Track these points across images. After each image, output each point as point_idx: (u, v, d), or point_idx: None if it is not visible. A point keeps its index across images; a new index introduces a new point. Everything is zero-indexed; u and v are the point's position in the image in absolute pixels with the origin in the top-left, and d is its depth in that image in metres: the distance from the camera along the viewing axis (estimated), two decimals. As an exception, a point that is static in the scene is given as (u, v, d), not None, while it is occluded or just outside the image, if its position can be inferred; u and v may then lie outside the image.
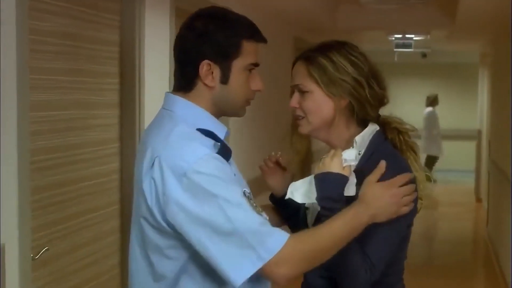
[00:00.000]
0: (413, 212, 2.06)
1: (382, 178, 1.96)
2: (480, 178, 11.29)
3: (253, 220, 1.74)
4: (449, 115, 14.93)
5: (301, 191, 2.05)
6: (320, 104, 2.08)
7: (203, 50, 1.89)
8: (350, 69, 2.06)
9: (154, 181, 1.80)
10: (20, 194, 2.60)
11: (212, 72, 1.90)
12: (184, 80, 1.94)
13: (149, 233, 1.87)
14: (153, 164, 1.81)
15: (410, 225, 2.09)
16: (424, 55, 12.79)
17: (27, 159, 2.66)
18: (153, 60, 3.78)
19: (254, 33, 1.95)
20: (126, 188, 3.60)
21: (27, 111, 2.65)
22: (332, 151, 2.03)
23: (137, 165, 1.93)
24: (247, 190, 1.83)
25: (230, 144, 1.97)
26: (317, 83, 2.07)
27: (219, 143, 1.86)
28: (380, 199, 1.91)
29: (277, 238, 1.74)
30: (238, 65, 1.92)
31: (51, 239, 2.94)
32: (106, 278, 3.47)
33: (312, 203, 2.06)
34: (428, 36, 8.82)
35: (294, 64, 2.16)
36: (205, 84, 1.91)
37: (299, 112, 2.13)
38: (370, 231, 1.95)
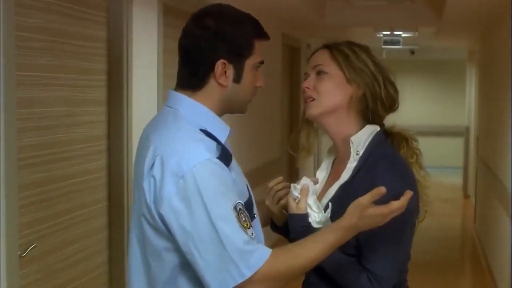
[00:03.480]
0: (415, 214, 2.05)
1: (382, 183, 1.90)
2: (468, 175, 11.33)
3: (238, 237, 1.76)
4: (437, 112, 14.99)
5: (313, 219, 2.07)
6: (336, 87, 2.09)
7: (219, 50, 1.89)
8: (370, 63, 2.10)
9: (154, 179, 1.80)
10: (7, 191, 2.58)
11: (226, 72, 1.90)
12: (195, 79, 1.92)
13: (147, 232, 1.86)
14: (154, 162, 1.81)
15: (412, 226, 2.07)
16: (412, 52, 12.81)
17: (14, 156, 2.64)
18: (141, 57, 3.76)
19: (262, 32, 1.97)
20: (114, 185, 3.59)
21: (14, 108, 2.64)
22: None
23: (137, 162, 1.92)
24: (241, 202, 1.82)
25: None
26: (339, 66, 2.09)
27: (220, 145, 1.85)
28: (371, 223, 1.86)
29: (259, 256, 1.77)
30: (249, 64, 1.94)
31: (38, 237, 2.93)
32: (94, 276, 3.46)
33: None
34: (416, 33, 8.84)
35: (314, 52, 2.18)
36: (219, 83, 1.91)
37: (311, 93, 2.11)
38: (371, 243, 1.96)
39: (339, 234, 1.85)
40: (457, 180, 12.28)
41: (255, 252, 1.77)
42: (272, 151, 7.45)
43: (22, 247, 2.76)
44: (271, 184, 2.23)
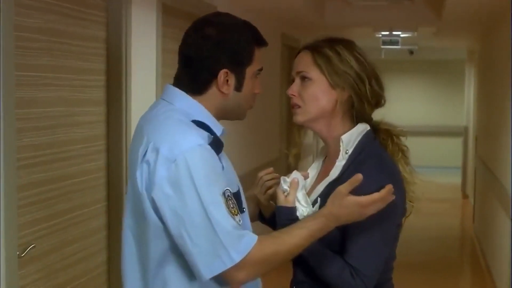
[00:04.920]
0: (401, 212, 2.07)
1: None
2: (466, 175, 11.34)
3: (228, 222, 1.80)
4: (436, 111, 15.00)
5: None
6: (321, 93, 2.09)
7: (222, 60, 1.92)
8: (354, 63, 2.09)
9: (148, 165, 1.83)
10: (6, 191, 2.58)
11: (228, 80, 1.94)
12: (197, 85, 1.95)
13: (138, 219, 1.89)
14: (147, 149, 1.84)
15: (398, 225, 2.09)
16: (411, 52, 12.81)
17: (13, 156, 2.64)
18: (140, 57, 3.76)
19: (261, 39, 1.99)
20: (113, 185, 3.59)
21: (13, 108, 2.64)
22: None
23: (131, 152, 1.95)
24: (230, 189, 1.86)
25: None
26: (321, 71, 2.09)
27: (212, 135, 1.89)
28: (351, 213, 1.90)
29: (248, 241, 1.81)
30: (250, 72, 1.97)
31: (37, 237, 2.93)
32: (93, 276, 3.46)
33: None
34: (415, 33, 8.84)
35: (298, 53, 2.17)
36: (220, 91, 1.94)
37: (296, 101, 2.13)
38: (354, 239, 1.98)
39: (321, 222, 1.89)
40: (456, 180, 12.29)
41: (244, 237, 1.80)
42: (271, 152, 7.45)
43: (21, 247, 2.75)
44: (261, 174, 2.26)
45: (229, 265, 1.79)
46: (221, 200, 1.80)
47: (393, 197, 1.93)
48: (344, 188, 1.89)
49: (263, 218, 2.29)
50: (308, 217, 1.95)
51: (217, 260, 1.78)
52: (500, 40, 6.41)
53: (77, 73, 3.27)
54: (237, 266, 1.79)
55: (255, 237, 1.82)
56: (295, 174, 2.10)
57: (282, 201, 2.05)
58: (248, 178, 2.10)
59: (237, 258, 1.79)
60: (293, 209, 2.04)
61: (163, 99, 1.98)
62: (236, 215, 1.84)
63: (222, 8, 4.43)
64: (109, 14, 3.55)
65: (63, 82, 3.15)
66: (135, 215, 1.91)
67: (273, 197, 2.17)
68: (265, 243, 1.84)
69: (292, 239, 1.87)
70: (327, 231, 1.91)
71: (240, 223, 1.84)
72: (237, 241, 1.79)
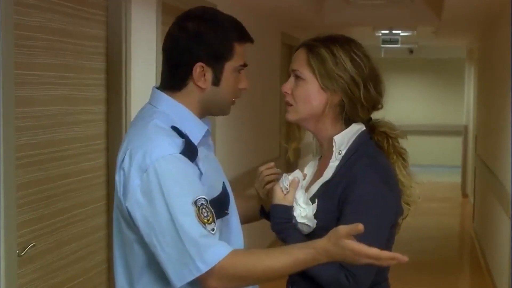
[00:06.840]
0: (396, 213, 2.05)
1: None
2: (466, 174, 11.34)
3: (195, 231, 1.78)
4: (435, 110, 14.99)
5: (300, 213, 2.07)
6: (312, 95, 2.08)
7: (197, 53, 1.91)
8: (349, 66, 2.05)
9: (124, 172, 1.87)
10: (5, 190, 2.58)
11: (205, 74, 1.93)
12: (175, 80, 1.96)
13: (121, 223, 1.92)
14: (124, 156, 1.88)
15: (393, 225, 2.07)
16: (411, 51, 12.81)
17: (12, 155, 2.64)
18: (139, 56, 3.76)
19: (244, 35, 1.97)
20: (113, 184, 3.57)
21: (13, 106, 2.64)
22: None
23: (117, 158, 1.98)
24: (204, 197, 1.82)
25: (216, 141, 1.98)
26: (313, 73, 2.07)
27: (185, 141, 1.88)
28: (344, 255, 1.76)
29: (216, 252, 1.78)
30: (229, 67, 1.95)
31: (37, 236, 2.93)
32: (93, 274, 3.46)
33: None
34: (415, 32, 8.84)
35: (297, 49, 2.16)
36: (197, 86, 1.94)
37: (289, 99, 2.12)
38: None
39: (309, 253, 1.78)
40: (456, 179, 12.28)
41: (211, 248, 1.78)
42: (271, 150, 7.45)
43: (21, 246, 2.76)
44: (261, 168, 2.26)
45: (196, 274, 1.78)
46: (191, 209, 1.79)
47: (394, 262, 1.76)
48: (343, 230, 1.74)
49: (264, 212, 2.29)
50: (297, 244, 1.85)
51: (185, 269, 1.78)
52: (500, 39, 6.41)
53: (77, 72, 3.27)
54: (207, 274, 1.78)
55: (226, 249, 1.79)
56: (297, 174, 2.09)
57: (280, 199, 2.05)
58: (247, 177, 2.09)
59: (203, 268, 1.77)
60: (289, 208, 2.03)
61: (149, 103, 1.99)
62: (210, 223, 1.81)
63: (222, 7, 4.42)
64: (109, 13, 3.55)
65: (63, 80, 3.15)
66: (119, 219, 1.92)
67: (270, 192, 2.15)
68: (240, 258, 1.81)
69: (271, 262, 1.80)
70: (314, 264, 1.80)
71: (213, 232, 1.80)
72: (203, 250, 1.77)
